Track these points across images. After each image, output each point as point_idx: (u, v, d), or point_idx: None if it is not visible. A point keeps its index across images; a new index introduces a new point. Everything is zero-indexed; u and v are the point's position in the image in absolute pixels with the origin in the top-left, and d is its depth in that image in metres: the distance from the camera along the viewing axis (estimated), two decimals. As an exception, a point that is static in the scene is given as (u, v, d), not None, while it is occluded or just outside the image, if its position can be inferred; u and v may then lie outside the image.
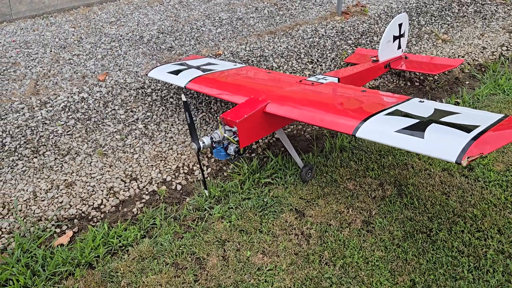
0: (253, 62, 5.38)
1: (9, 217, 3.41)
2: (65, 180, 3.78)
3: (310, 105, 3.29)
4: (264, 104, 3.29)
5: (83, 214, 3.48)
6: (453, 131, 2.56)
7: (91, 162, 3.99)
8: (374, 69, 4.74)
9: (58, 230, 3.32)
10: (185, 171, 3.93)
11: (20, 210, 3.46)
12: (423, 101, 3.17)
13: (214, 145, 3.19)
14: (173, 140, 4.32)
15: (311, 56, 5.66)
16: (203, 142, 3.11)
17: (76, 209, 3.51)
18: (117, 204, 3.58)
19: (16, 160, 3.89)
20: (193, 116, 4.62)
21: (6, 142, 4.00)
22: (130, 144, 4.22)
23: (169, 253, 3.02)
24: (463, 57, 6.00)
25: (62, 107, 4.43)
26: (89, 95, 4.61)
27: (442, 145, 2.47)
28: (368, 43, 6.07)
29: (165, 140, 4.32)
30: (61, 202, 3.56)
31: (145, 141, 4.27)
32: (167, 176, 3.86)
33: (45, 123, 4.24)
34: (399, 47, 5.04)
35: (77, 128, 4.29)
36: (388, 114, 2.91)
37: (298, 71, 5.43)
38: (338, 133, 4.22)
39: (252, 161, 3.84)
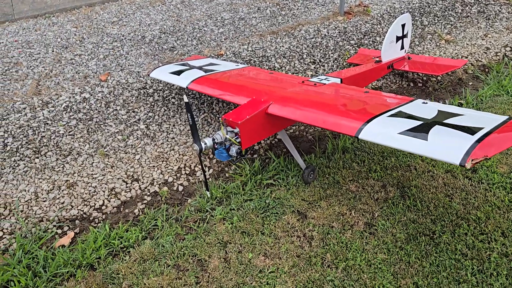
0: (255, 62, 5.37)
1: (10, 217, 3.40)
2: (67, 180, 3.77)
3: (313, 106, 3.27)
4: (266, 105, 3.27)
5: (84, 215, 3.47)
6: (457, 133, 2.54)
7: (93, 162, 3.98)
8: (377, 70, 4.72)
9: (59, 231, 3.31)
10: (187, 172, 3.92)
11: (21, 211, 3.46)
12: (427, 103, 3.15)
13: (216, 146, 3.18)
14: (175, 141, 4.30)
15: (313, 56, 5.63)
16: (205, 143, 3.10)
17: (78, 210, 3.50)
18: (119, 205, 3.57)
19: (18, 160, 3.89)
20: (195, 116, 4.60)
21: (8, 142, 4.00)
22: (131, 145, 4.21)
23: (171, 254, 3.01)
24: (466, 57, 5.97)
25: (64, 107, 4.42)
26: (91, 95, 4.61)
27: (446, 147, 2.45)
28: (371, 43, 6.04)
29: (167, 140, 4.31)
30: (62, 203, 3.55)
31: (146, 142, 4.26)
32: (168, 177, 3.85)
33: (47, 124, 4.24)
34: (402, 47, 5.02)
35: (78, 128, 4.28)
36: (391, 115, 2.89)
37: (301, 71, 5.41)
38: (341, 134, 4.20)
39: (254, 162, 3.82)
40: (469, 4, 7.15)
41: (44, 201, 3.56)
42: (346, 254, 2.93)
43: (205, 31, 6.16)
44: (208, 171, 3.92)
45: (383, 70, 4.83)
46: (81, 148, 4.10)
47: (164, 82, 4.92)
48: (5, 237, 3.23)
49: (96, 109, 4.49)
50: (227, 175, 3.86)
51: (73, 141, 4.16)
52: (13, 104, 4.35)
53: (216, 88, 3.89)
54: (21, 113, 4.28)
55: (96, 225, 3.37)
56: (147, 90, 4.83)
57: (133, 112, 4.57)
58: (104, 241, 3.13)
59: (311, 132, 4.47)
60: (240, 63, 5.18)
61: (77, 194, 3.64)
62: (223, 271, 2.86)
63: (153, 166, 3.98)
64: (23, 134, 4.09)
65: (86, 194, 3.65)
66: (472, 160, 2.27)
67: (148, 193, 3.68)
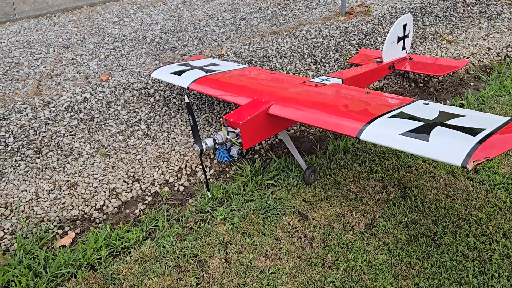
0: (257, 62, 5.36)
1: (11, 218, 3.40)
2: (68, 181, 3.77)
3: (314, 106, 3.27)
4: (267, 106, 3.27)
5: (85, 215, 3.47)
6: (459, 134, 2.53)
7: (94, 163, 3.98)
8: (378, 70, 4.71)
9: (60, 231, 3.31)
10: (188, 173, 3.92)
11: (22, 211, 3.46)
12: (428, 103, 3.14)
13: (217, 147, 3.18)
14: (176, 141, 4.30)
15: (314, 56, 5.63)
16: (206, 144, 3.10)
17: (79, 210, 3.50)
18: (120, 205, 3.57)
19: (19, 160, 3.89)
20: (196, 117, 4.60)
21: (9, 142, 4.00)
22: (132, 145, 4.21)
23: (171, 255, 3.00)
24: (468, 58, 5.95)
25: (65, 108, 4.42)
26: (92, 95, 4.61)
27: (448, 148, 2.44)
28: (372, 43, 6.03)
29: (168, 141, 4.31)
30: (63, 203, 3.55)
31: (147, 142, 4.26)
32: (169, 177, 3.85)
33: (48, 124, 4.24)
34: (404, 48, 5.01)
35: (79, 128, 4.28)
36: (393, 116, 2.88)
37: (302, 71, 5.41)
38: (342, 134, 4.19)
39: (255, 163, 3.82)
40: (470, 4, 7.13)
41: (45, 201, 3.56)
42: (347, 255, 2.92)
43: (206, 31, 6.16)
44: (209, 171, 3.92)
45: (384, 70, 4.83)
46: (82, 148, 4.10)
47: (165, 82, 4.92)
48: (6, 237, 3.23)
49: (97, 109, 4.49)
50: (228, 175, 3.86)
51: (74, 141, 4.16)
52: (14, 104, 4.36)
53: (217, 89, 3.88)
54: (22, 113, 4.28)
55: (97, 225, 3.37)
56: (148, 90, 4.83)
57: (134, 112, 4.57)
58: (105, 242, 3.13)
59: (312, 133, 4.47)
60: (241, 63, 5.18)
61: (78, 194, 3.64)
62: (224, 272, 2.85)
63: (154, 166, 3.98)
64: (24, 134, 4.09)
65: (87, 194, 3.65)
66: (473, 161, 2.27)
67: (149, 194, 3.68)
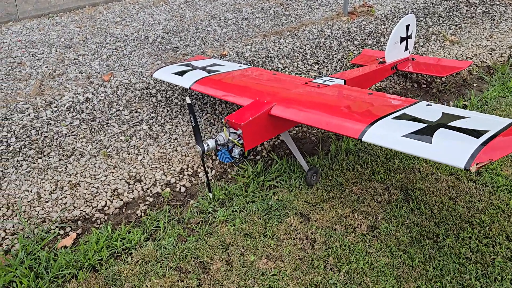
0: (259, 63, 5.35)
1: (13, 218, 3.40)
2: (69, 181, 3.77)
3: (316, 107, 3.25)
4: (269, 107, 3.26)
5: (87, 216, 3.46)
6: (462, 136, 2.51)
7: (95, 163, 3.98)
8: (380, 71, 4.69)
9: (61, 231, 3.31)
10: (189, 173, 3.91)
11: (24, 211, 3.46)
12: (431, 105, 3.13)
13: (219, 148, 3.17)
14: (178, 142, 4.30)
15: (317, 57, 5.61)
16: (208, 145, 3.09)
17: (80, 210, 3.50)
18: (121, 206, 3.56)
19: (21, 160, 3.89)
20: (197, 117, 4.59)
21: (11, 142, 4.00)
22: (134, 145, 4.21)
23: (173, 256, 3.00)
24: (471, 58, 5.93)
25: (67, 108, 4.42)
26: (94, 95, 4.61)
27: (451, 151, 2.42)
28: (375, 44, 6.01)
29: (170, 141, 4.30)
30: (65, 204, 3.55)
31: (149, 143, 4.26)
32: (171, 178, 3.84)
33: (50, 124, 4.24)
34: (406, 48, 4.99)
35: (81, 128, 4.28)
36: (395, 118, 2.87)
37: (304, 72, 5.39)
38: (344, 135, 4.17)
39: (257, 164, 3.81)
40: (474, 5, 7.10)
41: (47, 202, 3.56)
42: (349, 257, 2.91)
43: (208, 31, 6.15)
44: (211, 172, 3.91)
45: (387, 71, 4.81)
46: (83, 149, 4.10)
47: (167, 82, 4.92)
48: (8, 238, 3.23)
49: (99, 110, 4.48)
50: (229, 176, 3.85)
51: (76, 141, 4.15)
52: (16, 104, 4.36)
53: (219, 89, 3.87)
54: (24, 113, 4.28)
55: (99, 226, 3.37)
56: (150, 91, 4.82)
57: (136, 112, 4.56)
58: (106, 243, 3.12)
59: (314, 134, 4.45)
60: (243, 64, 5.17)
61: (79, 195, 3.64)
62: (225, 273, 2.84)
63: (156, 167, 3.97)
64: (26, 134, 4.09)
65: (88, 194, 3.65)
66: (476, 164, 2.25)
67: (151, 194, 3.68)
